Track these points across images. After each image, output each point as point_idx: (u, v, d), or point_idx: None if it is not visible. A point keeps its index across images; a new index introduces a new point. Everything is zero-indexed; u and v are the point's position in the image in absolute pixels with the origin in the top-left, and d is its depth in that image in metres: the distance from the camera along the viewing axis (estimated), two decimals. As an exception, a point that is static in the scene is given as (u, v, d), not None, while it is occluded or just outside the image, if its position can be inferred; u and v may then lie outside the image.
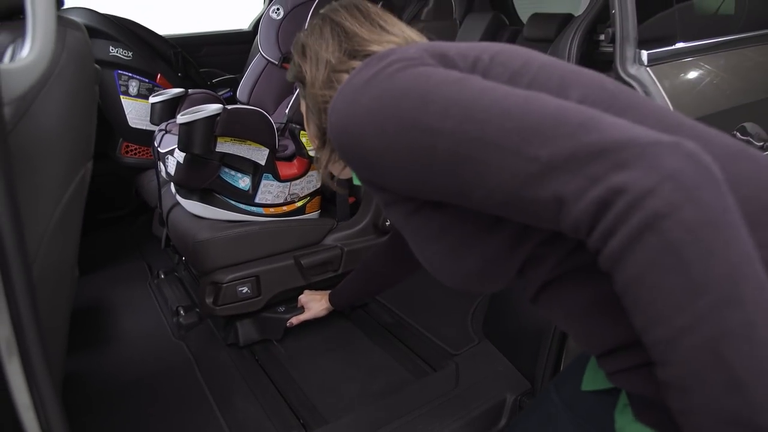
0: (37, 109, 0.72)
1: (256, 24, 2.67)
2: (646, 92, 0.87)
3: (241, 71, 2.42)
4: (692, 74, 0.97)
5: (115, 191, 2.23)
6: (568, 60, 1.12)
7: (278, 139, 1.44)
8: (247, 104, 1.79)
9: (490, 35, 2.38)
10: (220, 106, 1.30)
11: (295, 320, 1.42)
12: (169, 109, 1.65)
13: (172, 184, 1.55)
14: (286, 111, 1.71)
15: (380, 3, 1.53)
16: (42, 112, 0.73)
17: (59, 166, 0.80)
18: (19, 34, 0.77)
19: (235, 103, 1.82)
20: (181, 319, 1.59)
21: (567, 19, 2.15)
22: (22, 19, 0.81)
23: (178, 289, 1.77)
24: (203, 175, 1.37)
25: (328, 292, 1.37)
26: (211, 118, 1.28)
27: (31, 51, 0.64)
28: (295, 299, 1.55)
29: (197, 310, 1.63)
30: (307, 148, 1.47)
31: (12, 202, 0.58)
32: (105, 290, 1.82)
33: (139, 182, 1.96)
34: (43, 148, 0.76)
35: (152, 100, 1.63)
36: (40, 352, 0.61)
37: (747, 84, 1.07)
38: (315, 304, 1.40)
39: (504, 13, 2.66)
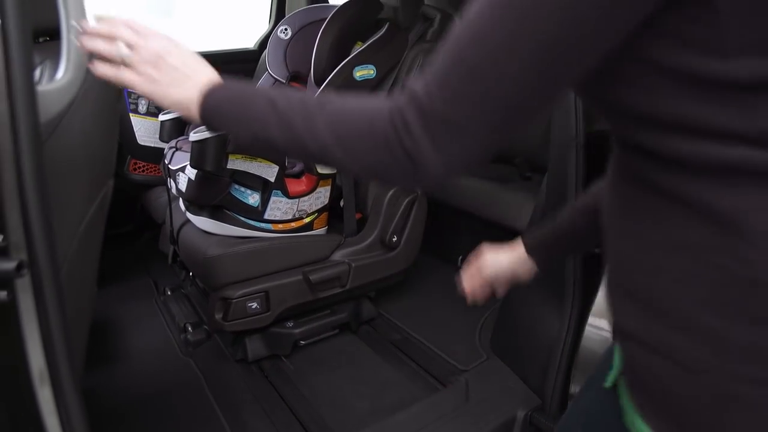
0: (65, 128, 0.73)
1: (262, 43, 2.71)
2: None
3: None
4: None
5: (121, 208, 2.23)
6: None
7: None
8: (255, 122, 1.81)
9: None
10: (232, 124, 1.32)
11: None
12: (179, 126, 1.67)
13: (181, 200, 1.56)
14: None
15: (386, 25, 1.57)
16: (69, 131, 0.75)
17: (84, 184, 0.82)
18: (47, 55, 0.79)
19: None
20: (188, 336, 1.59)
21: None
22: (48, 41, 0.83)
23: (185, 305, 1.77)
24: (214, 192, 1.38)
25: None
26: (224, 136, 1.29)
27: (65, 73, 0.66)
28: (304, 315, 1.56)
29: (205, 326, 1.63)
30: (316, 165, 1.49)
31: (49, 240, 0.59)
32: (111, 307, 1.82)
33: (146, 199, 1.97)
34: (69, 167, 0.78)
35: (162, 117, 1.65)
36: (71, 381, 0.62)
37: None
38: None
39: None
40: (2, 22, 0.58)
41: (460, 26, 0.48)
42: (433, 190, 0.45)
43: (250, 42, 2.75)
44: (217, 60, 2.73)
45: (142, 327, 1.72)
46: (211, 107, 0.64)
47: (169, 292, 1.85)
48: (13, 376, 0.61)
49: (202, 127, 1.33)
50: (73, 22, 0.67)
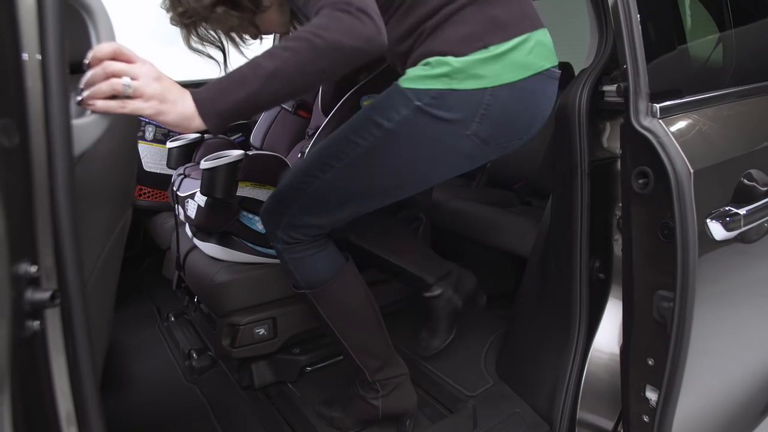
0: (91, 159, 0.75)
1: (264, 70, 2.76)
2: (661, 143, 0.93)
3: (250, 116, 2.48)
4: (700, 125, 1.03)
5: (124, 233, 2.24)
6: (578, 113, 1.18)
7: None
8: (261, 149, 1.84)
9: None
10: (242, 152, 1.34)
11: None
12: (186, 153, 1.70)
13: (188, 226, 1.58)
14: (299, 155, 1.76)
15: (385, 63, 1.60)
16: (95, 162, 0.76)
17: (105, 215, 0.83)
18: (72, 87, 0.81)
19: (248, 148, 1.88)
20: (193, 363, 1.58)
21: (566, 68, 2.25)
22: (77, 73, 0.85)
23: (189, 331, 1.76)
24: (223, 219, 1.40)
25: None
26: (234, 164, 1.32)
27: (97, 107, 0.68)
28: (310, 341, 1.56)
29: (210, 352, 1.62)
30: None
31: (80, 270, 0.61)
32: (114, 333, 1.80)
33: (151, 224, 1.98)
34: (93, 198, 0.79)
35: (170, 145, 1.67)
36: (100, 424, 0.63)
37: (750, 133, 1.14)
38: None
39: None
40: (42, 59, 0.60)
41: None
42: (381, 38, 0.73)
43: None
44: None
45: (146, 353, 1.71)
46: (211, 98, 0.75)
47: (172, 318, 1.84)
48: (38, 416, 0.62)
49: (213, 155, 1.35)
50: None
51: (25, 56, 0.59)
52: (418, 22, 0.95)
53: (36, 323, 0.59)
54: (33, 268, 0.58)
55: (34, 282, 0.60)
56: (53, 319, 0.63)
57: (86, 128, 0.67)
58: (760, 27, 1.52)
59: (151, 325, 1.86)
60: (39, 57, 0.60)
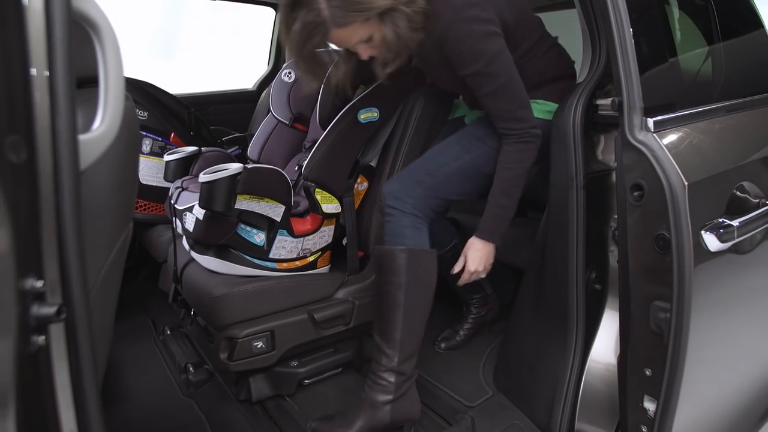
0: (95, 174, 0.76)
1: (261, 84, 2.78)
2: (655, 157, 0.94)
3: (246, 129, 2.49)
4: (693, 139, 1.06)
5: (119, 246, 2.23)
6: (573, 127, 1.21)
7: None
8: (258, 161, 1.85)
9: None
10: (241, 165, 1.35)
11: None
12: (183, 166, 1.70)
13: (185, 239, 1.58)
14: (296, 168, 1.77)
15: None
16: (96, 176, 0.77)
17: (107, 229, 0.83)
18: (78, 102, 0.82)
19: (245, 161, 1.88)
20: (190, 376, 1.57)
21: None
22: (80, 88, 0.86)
23: (185, 345, 1.75)
24: (221, 232, 1.40)
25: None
26: (233, 177, 1.32)
27: (102, 123, 0.68)
28: (307, 353, 1.56)
29: (207, 366, 1.62)
30: (321, 205, 1.52)
31: (84, 284, 0.61)
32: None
33: (147, 237, 1.97)
34: (94, 211, 0.79)
35: (167, 158, 1.67)
36: None
37: (741, 146, 1.16)
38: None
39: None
40: (50, 75, 0.61)
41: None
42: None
43: (249, 83, 2.82)
44: (218, 100, 2.82)
45: (141, 367, 1.70)
46: (492, 232, 1.38)
47: (168, 332, 1.83)
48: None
49: (212, 168, 1.36)
50: None
51: (33, 71, 0.60)
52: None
53: (41, 338, 0.59)
54: (39, 283, 0.59)
55: (40, 297, 0.60)
56: (57, 333, 0.63)
57: (91, 143, 0.67)
58: (746, 41, 1.56)
59: (146, 339, 1.85)
60: (47, 73, 0.61)
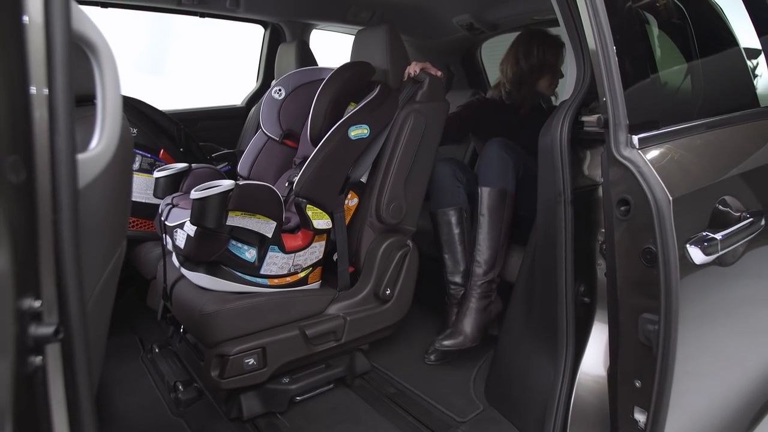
0: (88, 191, 0.76)
1: (250, 100, 2.79)
2: (641, 173, 0.97)
3: (234, 145, 2.50)
4: (676, 155, 1.09)
5: (105, 263, 2.20)
6: (560, 143, 1.23)
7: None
8: (248, 178, 1.85)
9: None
10: (232, 182, 1.35)
11: None
12: (173, 183, 1.69)
13: (174, 256, 1.57)
14: (286, 184, 1.78)
15: (378, 86, 1.65)
16: (92, 194, 0.77)
17: (101, 246, 0.83)
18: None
19: (235, 177, 1.88)
20: (179, 395, 1.55)
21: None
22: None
23: (174, 363, 1.73)
24: (213, 248, 1.39)
25: None
26: (225, 194, 1.32)
27: (99, 142, 0.69)
28: (299, 370, 1.56)
29: (196, 384, 1.60)
30: (312, 221, 1.52)
31: (82, 304, 0.61)
32: (96, 366, 1.76)
33: (135, 254, 1.95)
34: (89, 229, 0.79)
35: (157, 174, 1.67)
36: None
37: (722, 161, 1.20)
38: None
39: (481, 89, 2.87)
40: (50, 94, 0.61)
41: None
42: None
43: (237, 99, 2.82)
44: (207, 116, 2.81)
45: (129, 387, 1.68)
46: None
47: (156, 350, 1.81)
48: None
49: (203, 185, 1.36)
50: None
51: (32, 90, 0.60)
52: None
53: (38, 358, 0.59)
54: (37, 303, 0.58)
55: (37, 316, 0.60)
56: (53, 353, 0.62)
57: (89, 163, 0.68)
58: (722, 59, 1.61)
59: (134, 357, 1.83)
60: (46, 91, 0.61)
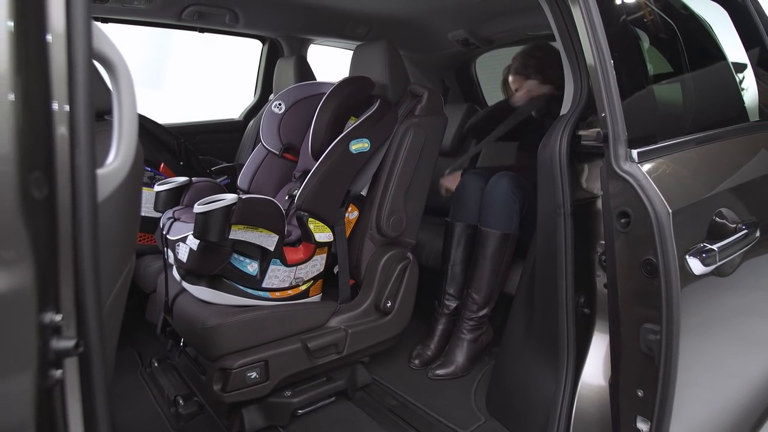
0: (103, 207, 0.76)
1: (247, 114, 2.81)
2: (641, 186, 1.00)
3: (232, 158, 2.51)
4: (674, 168, 1.12)
5: (102, 277, 2.19)
6: (559, 157, 1.26)
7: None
8: (248, 191, 1.86)
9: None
10: (235, 196, 1.37)
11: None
12: (174, 197, 1.70)
13: (175, 269, 1.57)
14: (286, 197, 1.79)
15: (378, 101, 1.68)
16: (107, 209, 0.78)
17: (113, 261, 0.84)
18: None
19: (234, 190, 1.89)
20: (180, 409, 1.54)
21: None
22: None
23: (174, 377, 1.72)
24: (215, 262, 1.40)
25: None
26: (228, 207, 1.33)
27: (116, 158, 0.70)
28: (301, 383, 1.56)
29: (197, 398, 1.59)
30: (314, 234, 1.54)
31: (99, 317, 0.62)
32: (94, 381, 1.75)
33: (135, 268, 1.95)
34: (103, 243, 0.80)
35: (158, 188, 1.68)
36: None
37: (718, 174, 1.23)
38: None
39: (476, 103, 2.92)
40: (71, 110, 0.62)
41: None
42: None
43: (236, 113, 2.84)
44: (205, 129, 2.82)
45: (128, 401, 1.66)
46: None
47: (155, 364, 1.80)
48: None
49: (206, 199, 1.37)
50: None
51: (55, 106, 0.61)
52: None
53: (59, 372, 0.59)
54: (58, 317, 0.59)
55: (57, 330, 0.60)
56: (71, 367, 0.63)
57: (106, 178, 0.69)
58: (712, 74, 1.66)
59: (132, 372, 1.81)
60: (67, 108, 0.62)
